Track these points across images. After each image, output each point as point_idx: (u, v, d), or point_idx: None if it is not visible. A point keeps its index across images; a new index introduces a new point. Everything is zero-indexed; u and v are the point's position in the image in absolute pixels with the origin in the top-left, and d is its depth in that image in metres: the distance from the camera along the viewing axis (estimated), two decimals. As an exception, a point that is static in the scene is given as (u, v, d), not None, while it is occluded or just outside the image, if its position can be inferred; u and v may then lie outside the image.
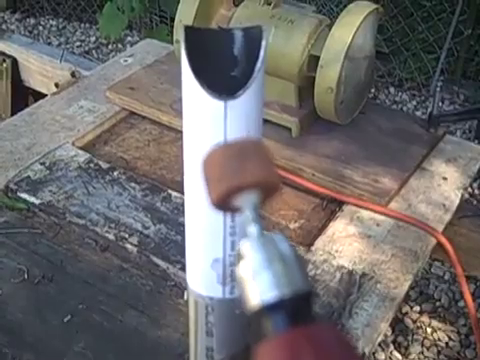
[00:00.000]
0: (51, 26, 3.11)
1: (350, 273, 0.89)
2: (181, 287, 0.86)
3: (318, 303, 0.84)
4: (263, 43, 0.34)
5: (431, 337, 1.72)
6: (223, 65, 0.36)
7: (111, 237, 0.92)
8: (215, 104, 0.34)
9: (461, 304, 1.80)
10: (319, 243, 0.93)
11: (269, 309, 0.31)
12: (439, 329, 1.75)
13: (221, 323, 0.43)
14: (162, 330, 0.81)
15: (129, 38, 3.03)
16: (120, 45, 3.00)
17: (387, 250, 0.92)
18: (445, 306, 1.82)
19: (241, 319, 0.44)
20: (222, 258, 0.40)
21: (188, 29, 0.33)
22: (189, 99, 0.35)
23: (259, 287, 0.31)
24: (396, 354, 1.65)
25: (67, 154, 1.07)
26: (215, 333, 0.43)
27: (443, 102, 2.60)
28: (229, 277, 0.41)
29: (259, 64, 0.35)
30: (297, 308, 0.31)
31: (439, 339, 1.72)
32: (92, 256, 0.90)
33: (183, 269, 0.88)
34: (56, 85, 1.21)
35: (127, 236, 0.92)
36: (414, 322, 1.76)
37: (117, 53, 2.86)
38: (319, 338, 0.31)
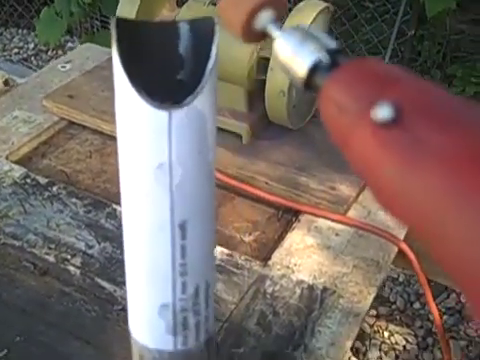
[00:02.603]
0: (-14, 33, 3.00)
1: (311, 288, 0.83)
2: (129, 311, 0.79)
3: (278, 323, 0.78)
4: (215, 38, 0.28)
5: (388, 341, 1.71)
6: (166, 67, 0.30)
7: (51, 259, 0.85)
8: (157, 115, 0.28)
9: (416, 306, 1.79)
10: (276, 256, 0.88)
11: (316, 67, 0.35)
12: (396, 332, 1.74)
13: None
14: (110, 360, 0.74)
15: (70, 44, 2.94)
16: (60, 51, 2.91)
17: (348, 261, 0.88)
18: (401, 309, 1.82)
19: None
20: (171, 303, 0.33)
21: (121, 22, 0.27)
22: (123, 109, 0.28)
23: (302, 56, 0.35)
24: (354, 360, 1.63)
25: (0, 169, 0.98)
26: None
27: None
28: (181, 325, 0.34)
29: (211, 64, 0.29)
30: (337, 58, 0.35)
31: (396, 343, 1.72)
32: (30, 281, 0.82)
33: (131, 291, 0.81)
34: (-12, 94, 1.12)
35: (69, 257, 0.85)
36: (371, 326, 1.75)
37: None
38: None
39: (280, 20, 0.37)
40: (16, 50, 2.92)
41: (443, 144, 0.28)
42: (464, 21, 2.66)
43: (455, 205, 0.27)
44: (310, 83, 0.35)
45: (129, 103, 0.27)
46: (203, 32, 0.29)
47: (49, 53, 2.89)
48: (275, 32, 0.36)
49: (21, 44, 2.99)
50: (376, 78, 0.31)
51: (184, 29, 0.30)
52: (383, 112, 0.29)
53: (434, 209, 0.27)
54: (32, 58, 2.88)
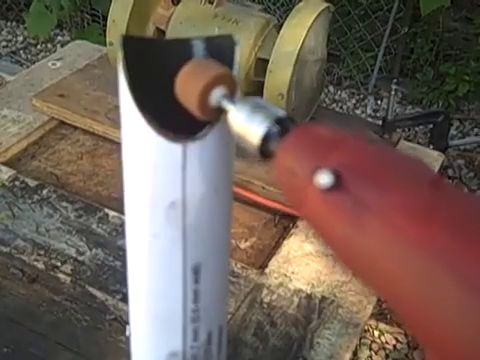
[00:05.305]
0: (-26, 25, 2.95)
1: (309, 297, 0.81)
2: (122, 321, 0.76)
3: (275, 334, 0.76)
4: (236, 58, 0.25)
5: (379, 340, 1.70)
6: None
7: (40, 266, 0.82)
8: (170, 149, 0.24)
9: (406, 305, 1.78)
10: (273, 264, 0.85)
11: (268, 135, 0.37)
12: (386, 332, 1.73)
13: None
14: (101, 373, 0.71)
15: (60, 38, 2.90)
16: (50, 45, 2.86)
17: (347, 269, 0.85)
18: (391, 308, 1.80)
19: None
20: (181, 351, 0.30)
21: (128, 40, 0.23)
22: (131, 140, 0.25)
23: (254, 125, 0.37)
24: (345, 360, 1.62)
25: (-12, 171, 0.95)
26: None
27: (382, 100, 2.58)
28: (191, 376, 0.30)
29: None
30: (286, 125, 0.38)
31: (387, 342, 1.71)
32: (19, 289, 0.79)
33: (123, 300, 0.78)
34: (-24, 92, 1.09)
35: (59, 264, 0.82)
36: (361, 326, 1.73)
37: (47, 53, 2.71)
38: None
39: (232, 95, 0.39)
40: (4, 43, 2.87)
41: (380, 203, 0.31)
42: (457, 19, 2.64)
43: (398, 256, 0.29)
44: (264, 150, 0.38)
45: (138, 134, 0.24)
46: (220, 51, 0.26)
47: (38, 47, 2.84)
48: (228, 106, 0.39)
49: (10, 37, 2.94)
50: (319, 144, 0.34)
51: (199, 47, 0.27)
52: (324, 179, 0.32)
53: (382, 263, 0.30)
54: (21, 51, 2.84)
